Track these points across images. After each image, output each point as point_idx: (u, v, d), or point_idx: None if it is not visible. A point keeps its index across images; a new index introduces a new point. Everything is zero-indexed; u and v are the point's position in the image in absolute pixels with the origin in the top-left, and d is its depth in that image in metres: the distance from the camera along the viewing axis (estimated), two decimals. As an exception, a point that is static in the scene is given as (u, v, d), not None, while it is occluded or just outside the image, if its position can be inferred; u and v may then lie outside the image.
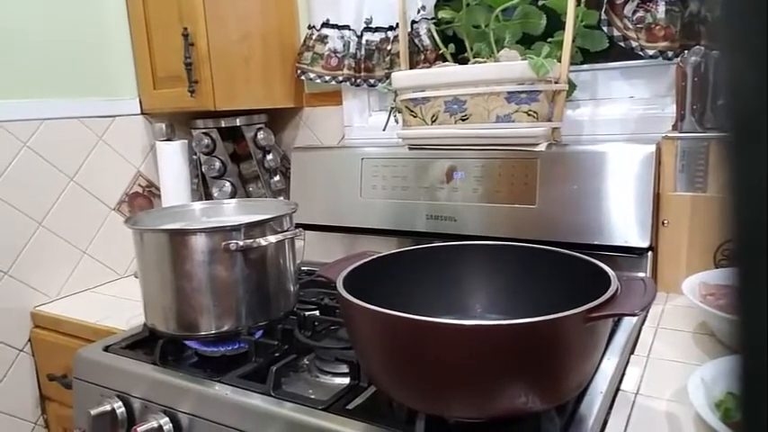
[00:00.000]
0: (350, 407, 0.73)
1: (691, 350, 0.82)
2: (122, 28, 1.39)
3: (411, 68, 1.25)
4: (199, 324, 0.90)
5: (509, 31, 1.16)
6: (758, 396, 0.18)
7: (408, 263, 0.84)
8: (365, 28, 1.36)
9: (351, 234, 1.32)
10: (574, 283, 0.72)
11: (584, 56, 1.16)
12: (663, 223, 1.03)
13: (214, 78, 1.29)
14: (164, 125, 1.38)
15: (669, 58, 1.05)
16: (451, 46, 1.25)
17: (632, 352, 0.83)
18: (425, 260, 0.85)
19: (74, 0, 1.29)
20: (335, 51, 1.38)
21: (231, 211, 1.09)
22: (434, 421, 0.65)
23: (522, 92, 1.06)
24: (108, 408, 0.87)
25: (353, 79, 1.38)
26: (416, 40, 1.29)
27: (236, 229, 0.89)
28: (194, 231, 0.90)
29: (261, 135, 1.46)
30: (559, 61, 1.06)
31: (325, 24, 1.38)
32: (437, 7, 1.28)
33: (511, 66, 1.06)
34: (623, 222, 1.02)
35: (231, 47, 1.33)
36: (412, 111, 1.18)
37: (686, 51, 1.00)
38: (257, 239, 0.89)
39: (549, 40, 1.15)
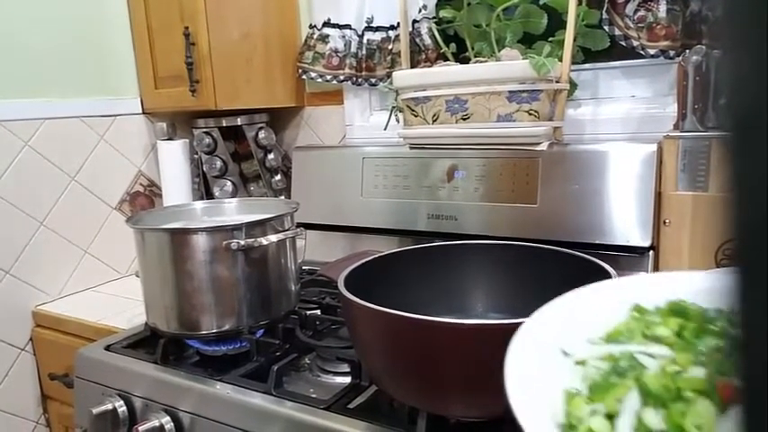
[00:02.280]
0: (351, 406, 0.74)
1: (692, 349, 0.82)
2: (124, 27, 1.39)
3: (412, 68, 1.25)
4: (200, 323, 0.90)
5: (510, 31, 1.16)
6: (759, 398, 0.18)
7: (409, 262, 0.85)
8: (366, 27, 1.36)
9: (352, 233, 1.32)
10: (575, 282, 0.71)
11: (586, 55, 1.16)
12: (664, 222, 1.02)
13: (215, 78, 1.30)
14: (165, 124, 1.38)
15: (670, 58, 1.05)
16: (453, 45, 1.25)
17: (633, 351, 0.83)
18: (426, 259, 0.85)
19: (76, 0, 1.30)
20: (337, 51, 1.38)
21: (232, 211, 1.09)
22: (436, 420, 0.65)
23: (524, 91, 1.06)
24: (109, 407, 0.87)
25: (355, 78, 1.38)
26: (417, 40, 1.29)
27: (237, 228, 0.89)
28: (195, 231, 0.90)
29: (262, 134, 1.46)
30: (561, 60, 1.05)
31: (327, 24, 1.38)
32: (438, 6, 1.28)
33: (512, 65, 1.06)
34: (625, 222, 1.02)
35: (232, 46, 1.33)
36: (413, 110, 1.18)
37: (687, 50, 1.00)
38: (258, 239, 0.89)
39: (551, 39, 1.15)
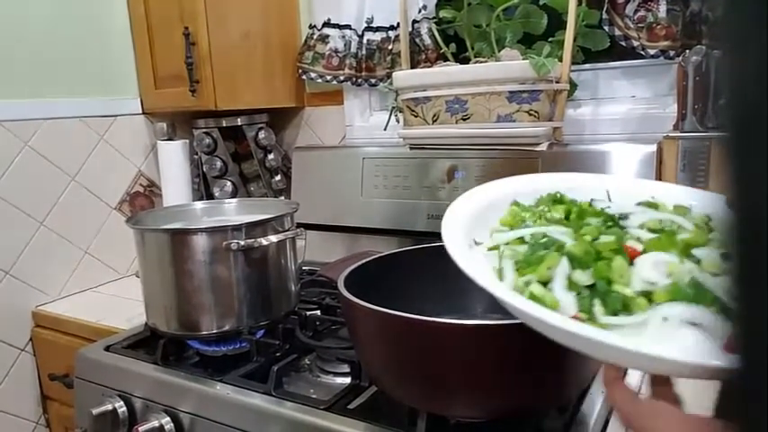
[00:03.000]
0: (351, 406, 0.73)
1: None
2: (124, 27, 1.39)
3: (412, 68, 1.25)
4: (200, 323, 0.90)
5: (510, 31, 1.16)
6: (758, 410, 0.18)
7: (409, 263, 0.84)
8: (366, 27, 1.36)
9: (352, 234, 1.32)
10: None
11: (586, 55, 1.16)
12: (664, 223, 1.02)
13: (215, 78, 1.29)
14: (165, 125, 1.38)
15: (670, 58, 1.05)
16: (452, 45, 1.25)
17: (633, 351, 0.83)
18: (426, 260, 0.85)
19: (76, 0, 1.29)
20: (336, 51, 1.38)
21: (232, 211, 1.09)
22: (435, 421, 0.65)
23: (524, 91, 1.06)
24: (109, 407, 0.87)
25: (354, 79, 1.38)
26: (417, 40, 1.29)
27: (237, 228, 0.89)
28: (195, 231, 0.90)
29: (262, 135, 1.46)
30: (560, 61, 1.05)
31: (327, 24, 1.38)
32: (438, 7, 1.28)
33: (512, 65, 1.06)
34: (624, 222, 1.02)
35: (232, 46, 1.33)
36: (413, 110, 1.18)
37: (687, 51, 1.00)
38: (258, 239, 0.89)
39: (551, 39, 1.15)
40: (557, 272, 0.42)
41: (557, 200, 0.54)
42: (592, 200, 0.53)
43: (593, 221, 0.48)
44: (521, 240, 0.48)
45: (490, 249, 0.49)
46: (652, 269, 0.41)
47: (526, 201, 0.56)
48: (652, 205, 0.52)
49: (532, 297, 0.42)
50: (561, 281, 0.42)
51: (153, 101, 1.41)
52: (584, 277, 0.41)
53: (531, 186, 0.58)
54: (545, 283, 0.43)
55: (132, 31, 1.40)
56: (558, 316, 0.40)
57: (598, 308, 0.40)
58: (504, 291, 0.43)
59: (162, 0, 1.32)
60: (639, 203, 0.52)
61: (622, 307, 0.40)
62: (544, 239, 0.46)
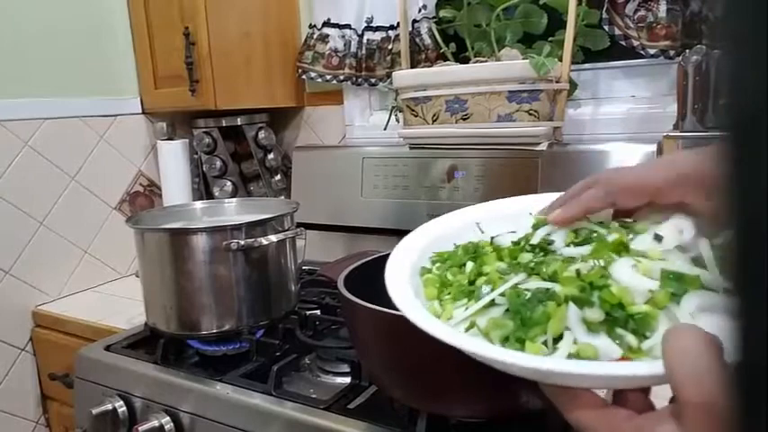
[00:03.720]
0: (351, 406, 0.73)
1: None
2: (124, 27, 1.39)
3: (412, 68, 1.25)
4: (200, 323, 0.90)
5: (510, 30, 1.16)
6: (757, 416, 0.18)
7: (409, 262, 0.84)
8: (366, 27, 1.36)
9: (352, 233, 1.32)
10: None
11: (586, 55, 1.16)
12: (664, 222, 1.02)
13: (215, 78, 1.29)
14: (165, 124, 1.38)
15: (670, 57, 1.05)
16: (452, 45, 1.25)
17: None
18: (426, 259, 0.85)
19: (75, 0, 1.30)
20: (336, 50, 1.38)
21: (232, 211, 1.09)
22: (436, 421, 0.65)
23: (524, 91, 1.06)
24: (109, 407, 0.87)
25: (354, 78, 1.38)
26: (417, 40, 1.29)
27: (237, 228, 0.89)
28: (195, 231, 0.90)
29: (262, 134, 1.46)
30: (560, 60, 1.05)
31: (327, 23, 1.38)
32: (438, 6, 1.28)
33: (512, 65, 1.06)
34: (624, 222, 1.02)
35: (232, 46, 1.33)
36: (413, 110, 1.18)
37: (687, 50, 1.00)
38: (258, 239, 0.89)
39: (551, 39, 1.15)
40: (570, 320, 0.38)
41: (470, 250, 0.49)
42: (492, 238, 0.49)
43: (527, 257, 0.44)
44: (486, 306, 0.42)
45: (468, 329, 0.43)
46: (636, 277, 0.39)
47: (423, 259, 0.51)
48: (540, 222, 0.48)
49: (576, 356, 0.37)
50: (580, 327, 0.38)
51: (153, 100, 1.41)
52: (596, 314, 0.38)
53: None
54: (556, 339, 0.38)
55: (132, 31, 1.40)
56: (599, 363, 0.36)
57: (631, 338, 0.36)
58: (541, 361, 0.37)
59: (162, 0, 1.32)
60: (535, 225, 0.48)
61: (647, 326, 0.37)
62: (527, 294, 0.40)
